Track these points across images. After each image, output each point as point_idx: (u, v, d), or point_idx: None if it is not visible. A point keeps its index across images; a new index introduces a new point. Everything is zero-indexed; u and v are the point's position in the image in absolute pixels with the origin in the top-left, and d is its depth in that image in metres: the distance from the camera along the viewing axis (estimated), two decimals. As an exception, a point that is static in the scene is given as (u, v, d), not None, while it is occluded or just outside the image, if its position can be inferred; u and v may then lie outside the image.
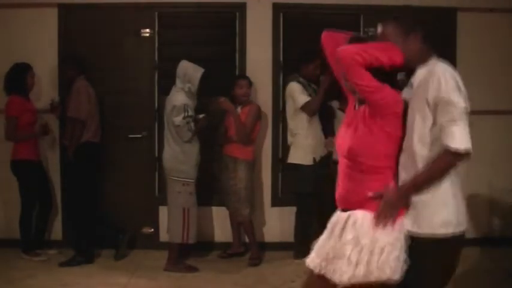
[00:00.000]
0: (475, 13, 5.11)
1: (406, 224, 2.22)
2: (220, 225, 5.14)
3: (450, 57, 5.06)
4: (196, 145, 4.57)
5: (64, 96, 4.88)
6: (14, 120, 4.67)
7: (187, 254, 4.77)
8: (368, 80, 2.18)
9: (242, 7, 5.06)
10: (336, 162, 2.62)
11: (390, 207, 2.20)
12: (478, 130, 5.05)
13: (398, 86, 2.33)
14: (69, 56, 4.86)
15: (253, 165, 4.88)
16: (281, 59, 5.11)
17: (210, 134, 4.83)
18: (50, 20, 5.01)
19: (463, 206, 2.24)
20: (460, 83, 2.16)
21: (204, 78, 4.50)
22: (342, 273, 2.22)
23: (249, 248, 4.91)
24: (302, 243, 4.42)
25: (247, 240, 4.95)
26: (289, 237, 4.88)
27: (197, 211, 4.61)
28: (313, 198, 4.72)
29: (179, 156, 4.49)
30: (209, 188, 5.06)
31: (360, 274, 2.18)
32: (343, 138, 2.37)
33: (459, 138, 2.09)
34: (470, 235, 5.25)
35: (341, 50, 2.22)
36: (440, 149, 2.12)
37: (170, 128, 4.50)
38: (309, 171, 4.68)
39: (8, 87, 4.72)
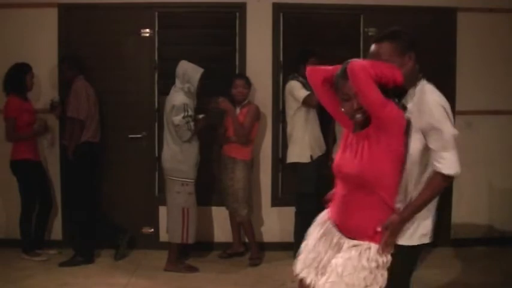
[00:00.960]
0: (475, 13, 5.11)
1: None
2: (220, 225, 5.14)
3: (450, 57, 5.13)
4: (195, 145, 4.57)
5: (64, 96, 4.88)
6: (13, 121, 4.67)
7: (187, 254, 4.77)
8: (378, 93, 2.21)
9: (242, 7, 5.06)
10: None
11: (395, 235, 2.33)
12: (477, 130, 5.14)
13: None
14: (68, 56, 4.86)
15: (251, 166, 4.89)
16: (281, 59, 5.11)
17: (209, 134, 4.83)
18: (50, 20, 5.01)
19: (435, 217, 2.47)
20: (448, 109, 2.32)
21: (203, 78, 4.51)
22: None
23: (249, 248, 4.91)
24: (302, 244, 4.41)
25: (247, 240, 4.95)
26: (289, 237, 4.88)
27: (197, 211, 4.61)
28: (313, 199, 4.71)
29: (178, 156, 4.49)
30: (209, 188, 5.06)
31: None
32: (343, 162, 2.40)
33: (450, 164, 2.27)
34: (470, 235, 5.32)
35: (353, 63, 2.24)
36: (431, 171, 2.32)
37: (169, 128, 4.50)
38: (308, 171, 4.68)
39: (7, 87, 4.72)
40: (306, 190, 4.69)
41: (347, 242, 2.35)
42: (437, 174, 2.29)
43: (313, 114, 4.73)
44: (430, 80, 2.46)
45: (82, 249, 4.71)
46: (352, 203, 2.35)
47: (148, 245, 5.07)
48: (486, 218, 5.27)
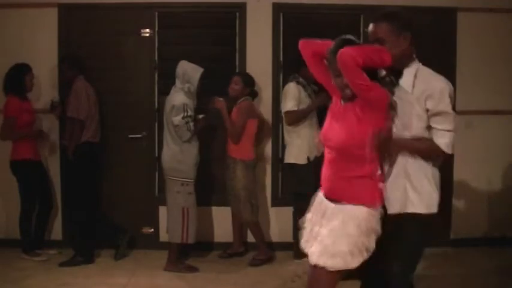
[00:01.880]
0: (475, 13, 5.11)
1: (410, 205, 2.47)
2: (220, 225, 5.14)
3: (450, 57, 5.12)
4: (195, 145, 4.57)
5: (64, 96, 4.88)
6: (12, 120, 4.67)
7: (187, 254, 4.77)
8: (365, 79, 2.34)
9: (242, 7, 5.06)
10: None
11: (385, 142, 2.44)
12: (478, 130, 5.13)
13: (381, 82, 2.49)
14: (68, 56, 4.86)
15: (253, 166, 4.86)
16: (281, 59, 5.11)
17: (209, 134, 4.82)
18: (50, 20, 5.01)
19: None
20: (452, 92, 2.46)
21: (203, 78, 4.51)
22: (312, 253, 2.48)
23: (252, 247, 4.90)
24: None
25: (247, 240, 4.95)
26: (289, 237, 4.88)
27: (197, 211, 4.61)
28: (310, 199, 4.71)
29: (178, 156, 4.49)
30: (209, 188, 5.06)
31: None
32: (331, 131, 2.52)
33: (450, 144, 2.45)
34: (470, 235, 5.31)
35: (342, 52, 2.34)
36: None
37: (169, 128, 4.50)
38: (305, 171, 4.67)
39: (6, 88, 4.72)
40: (303, 190, 4.68)
41: (331, 208, 2.49)
42: (437, 145, 2.44)
43: (311, 115, 4.73)
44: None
45: (82, 249, 4.71)
46: (337, 168, 2.51)
47: (148, 245, 5.06)
48: (486, 218, 5.27)
